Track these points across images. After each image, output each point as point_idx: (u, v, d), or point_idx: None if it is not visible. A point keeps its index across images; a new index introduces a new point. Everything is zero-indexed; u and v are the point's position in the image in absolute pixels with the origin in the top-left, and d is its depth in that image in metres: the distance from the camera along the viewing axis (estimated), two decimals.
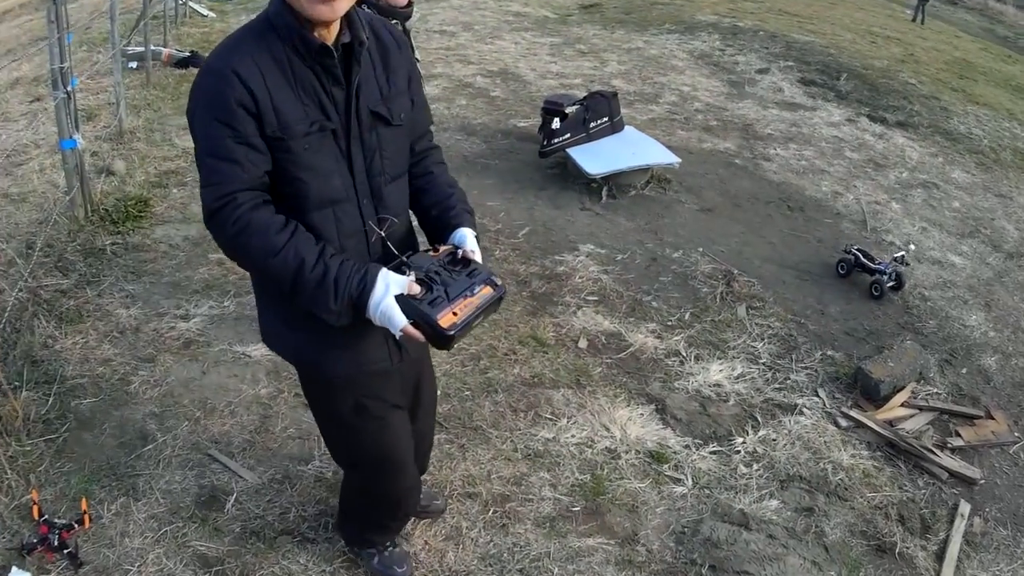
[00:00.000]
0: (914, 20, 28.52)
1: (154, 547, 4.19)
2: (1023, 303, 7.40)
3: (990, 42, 28.30)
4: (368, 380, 3.34)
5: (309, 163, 2.82)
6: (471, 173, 8.79)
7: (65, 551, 4.09)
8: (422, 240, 3.33)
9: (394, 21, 4.81)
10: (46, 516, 4.23)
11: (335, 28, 2.80)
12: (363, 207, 3.02)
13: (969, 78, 15.51)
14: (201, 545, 4.22)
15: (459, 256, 3.00)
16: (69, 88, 6.66)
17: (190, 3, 19.02)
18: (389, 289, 2.77)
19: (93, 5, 21.28)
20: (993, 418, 5.66)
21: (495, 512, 4.51)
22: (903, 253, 7.21)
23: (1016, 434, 5.58)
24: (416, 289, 2.78)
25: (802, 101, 12.05)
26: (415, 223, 3.33)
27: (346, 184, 2.96)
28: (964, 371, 6.17)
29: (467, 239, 3.08)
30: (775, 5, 20.16)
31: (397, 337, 2.82)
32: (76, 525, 4.21)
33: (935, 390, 5.87)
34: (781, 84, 12.70)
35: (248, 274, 3.45)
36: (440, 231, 3.19)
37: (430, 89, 11.40)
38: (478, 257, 3.04)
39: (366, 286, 2.77)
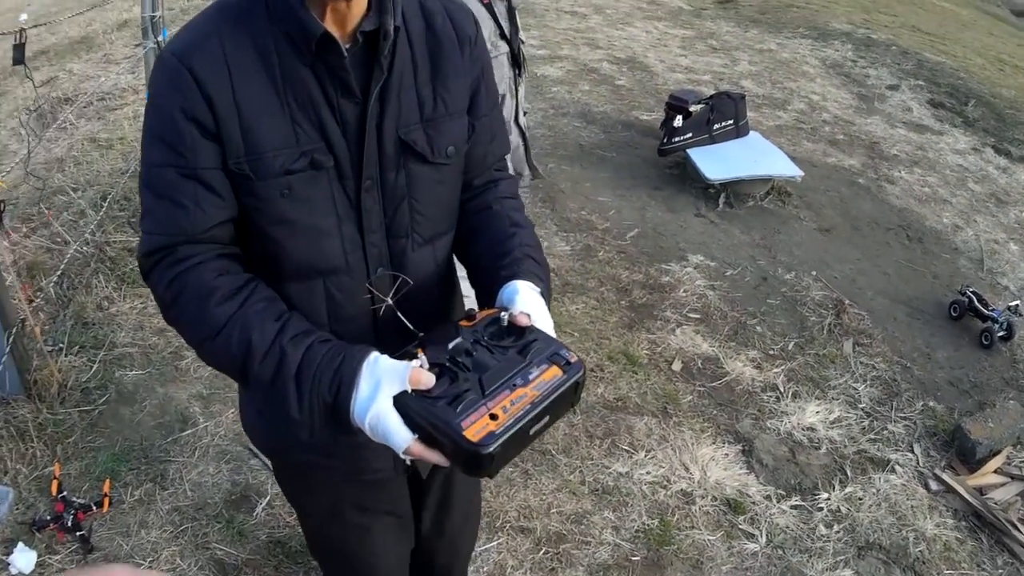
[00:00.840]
0: None
1: (171, 543, 3.93)
2: None
3: None
4: (357, 489, 2.45)
5: (285, 215, 1.92)
6: (585, 164, 8.32)
7: (78, 533, 3.90)
8: None
9: None
10: (65, 493, 4.05)
11: (358, 8, 1.83)
12: (374, 280, 2.08)
13: None
14: (221, 548, 3.93)
15: (505, 323, 1.88)
16: (160, 39, 6.37)
17: None
18: (381, 386, 1.71)
19: None
20: None
21: (547, 553, 4.08)
22: (1017, 303, 6.55)
23: None
24: (426, 380, 1.70)
25: (930, 124, 11.32)
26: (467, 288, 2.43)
27: (352, 247, 2.01)
28: None
29: (518, 295, 1.95)
30: (908, 21, 19.31)
31: (403, 459, 1.80)
32: (95, 507, 4.02)
33: None
34: (910, 103, 11.93)
35: None
36: (488, 288, 2.09)
37: (553, 71, 11.04)
38: (540, 323, 1.92)
39: (343, 382, 1.75)
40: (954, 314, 6.55)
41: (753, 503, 4.56)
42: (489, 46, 3.95)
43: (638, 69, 11.74)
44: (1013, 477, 5.05)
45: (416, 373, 1.71)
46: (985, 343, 6.27)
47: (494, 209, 2.28)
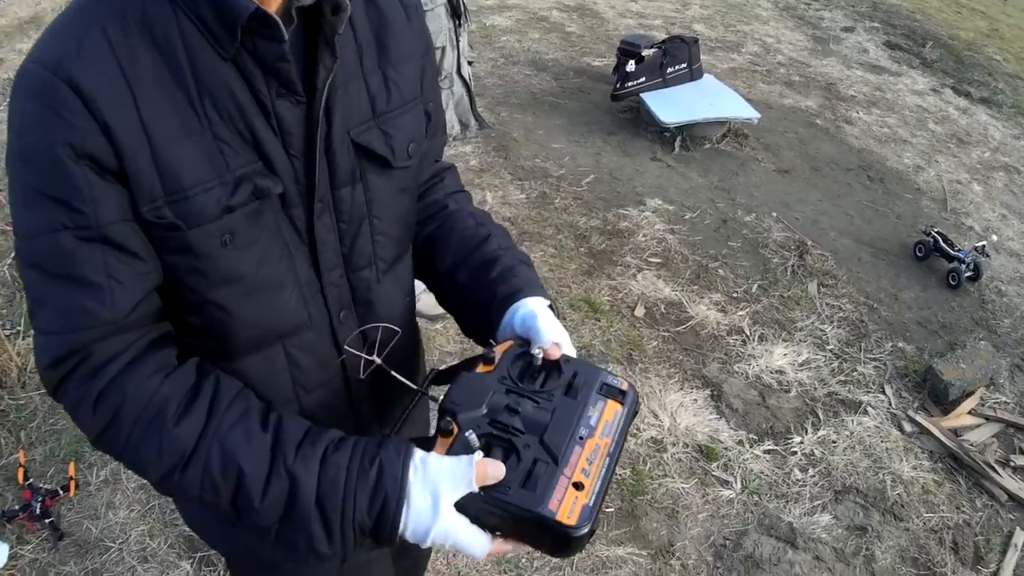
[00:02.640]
0: None
1: (139, 523, 3.80)
2: None
3: None
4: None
5: (231, 270, 1.44)
6: (538, 112, 8.17)
7: (47, 520, 3.77)
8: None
9: None
10: (31, 480, 3.93)
11: None
12: (338, 329, 1.66)
13: None
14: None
15: (539, 360, 1.57)
16: None
17: None
18: (440, 497, 1.37)
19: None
20: None
21: None
22: (984, 243, 6.55)
23: None
24: (496, 472, 1.38)
25: (887, 65, 11.33)
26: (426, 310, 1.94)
27: (311, 292, 1.58)
28: None
29: (538, 320, 1.63)
30: None
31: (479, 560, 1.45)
32: (61, 491, 3.89)
33: (1003, 398, 5.24)
34: (866, 45, 11.93)
35: None
36: (483, 313, 1.75)
37: (502, 20, 10.88)
38: (567, 347, 1.63)
39: (387, 501, 1.37)
40: (919, 255, 6.50)
41: (726, 449, 4.48)
42: None
43: (588, 16, 11.57)
44: (988, 418, 5.03)
45: (483, 468, 1.38)
46: (952, 283, 6.23)
47: (450, 208, 1.93)
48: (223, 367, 1.51)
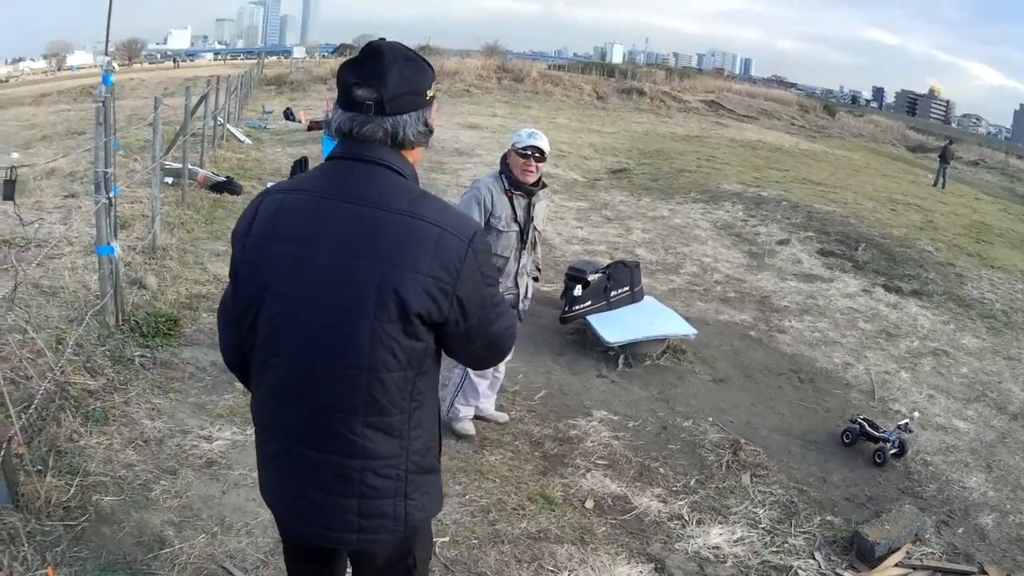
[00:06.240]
0: (935, 184, 29.10)
1: None
2: None
3: (1010, 201, 29.07)
4: None
5: None
6: None
7: None
8: None
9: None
10: None
11: None
12: None
13: (986, 241, 16.17)
14: None
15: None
16: (111, 195, 6.91)
17: (228, 126, 20.00)
18: None
19: (131, 108, 21.37)
20: (986, 573, 5.87)
21: None
22: (907, 421, 7.59)
23: None
24: None
25: (820, 272, 12.64)
26: None
27: None
28: (960, 530, 6.49)
29: None
30: (799, 174, 20.69)
31: None
32: None
33: (930, 550, 6.12)
34: (800, 255, 13.28)
35: None
36: None
37: None
38: None
39: None
40: (847, 441, 7.57)
41: None
42: (503, 225, 6.12)
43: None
44: (915, 567, 5.85)
45: None
46: (878, 461, 7.26)
47: None
48: None
